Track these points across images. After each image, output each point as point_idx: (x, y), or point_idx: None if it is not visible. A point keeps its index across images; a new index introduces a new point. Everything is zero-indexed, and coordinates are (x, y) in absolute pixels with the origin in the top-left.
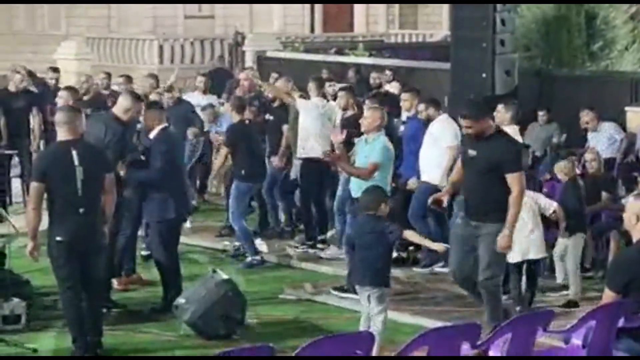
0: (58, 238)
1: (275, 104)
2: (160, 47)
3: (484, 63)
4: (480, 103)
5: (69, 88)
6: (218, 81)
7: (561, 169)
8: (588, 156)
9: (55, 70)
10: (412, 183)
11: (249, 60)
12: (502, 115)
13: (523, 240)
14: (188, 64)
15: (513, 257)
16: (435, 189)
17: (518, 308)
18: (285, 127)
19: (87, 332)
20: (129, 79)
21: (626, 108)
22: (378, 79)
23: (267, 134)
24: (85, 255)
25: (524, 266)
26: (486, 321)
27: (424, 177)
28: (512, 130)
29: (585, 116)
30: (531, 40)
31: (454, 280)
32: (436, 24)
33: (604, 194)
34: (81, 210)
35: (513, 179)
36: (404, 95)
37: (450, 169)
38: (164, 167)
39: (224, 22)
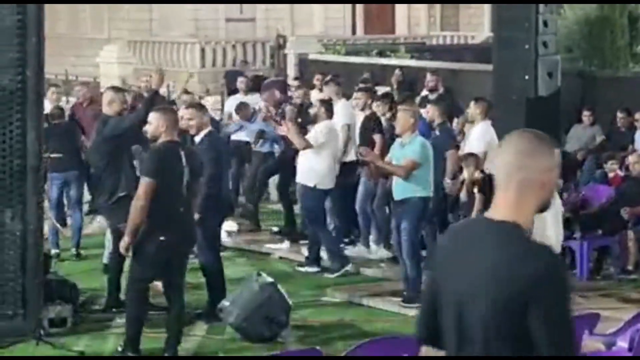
0: (162, 238)
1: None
2: (202, 50)
3: (527, 64)
4: None
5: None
6: (233, 81)
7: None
8: (632, 158)
9: None
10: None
11: (291, 63)
12: (473, 111)
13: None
14: (230, 67)
15: None
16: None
17: None
18: None
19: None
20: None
21: None
22: (432, 81)
23: None
24: (176, 257)
25: None
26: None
27: None
28: (485, 126)
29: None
30: (574, 41)
31: None
32: (478, 25)
33: None
34: (182, 209)
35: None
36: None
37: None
38: (214, 174)
39: (265, 24)
